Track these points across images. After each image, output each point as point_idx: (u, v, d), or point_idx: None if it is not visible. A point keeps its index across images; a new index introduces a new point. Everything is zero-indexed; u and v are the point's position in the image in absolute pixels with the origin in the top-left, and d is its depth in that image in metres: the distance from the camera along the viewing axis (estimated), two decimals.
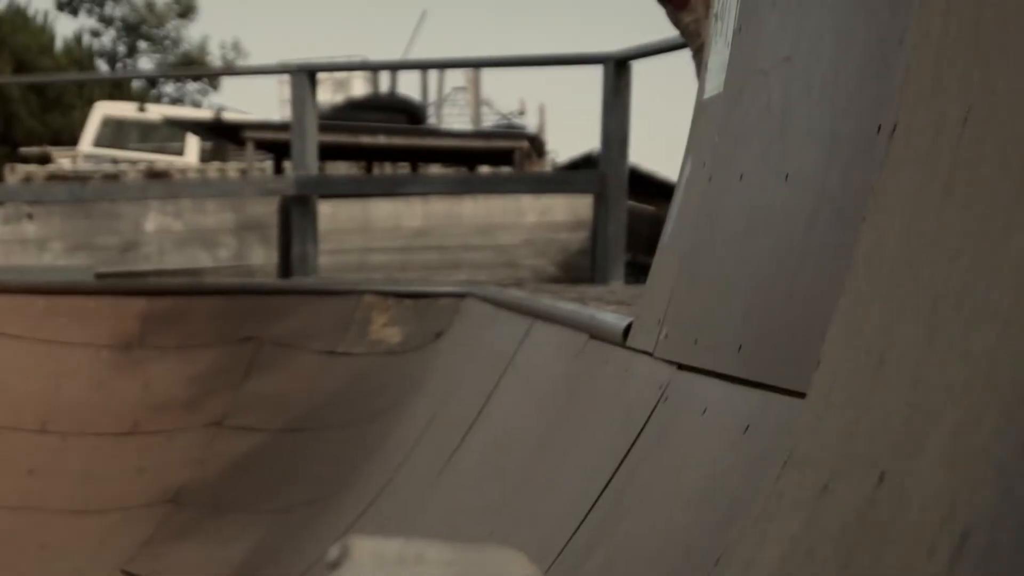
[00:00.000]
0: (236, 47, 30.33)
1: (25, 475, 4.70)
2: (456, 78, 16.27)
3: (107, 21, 29.71)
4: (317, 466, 4.49)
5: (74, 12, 29.17)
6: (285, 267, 7.55)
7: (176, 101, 28.11)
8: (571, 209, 8.34)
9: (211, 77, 29.70)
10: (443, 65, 12.09)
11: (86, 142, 15.01)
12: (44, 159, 14.65)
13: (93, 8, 29.38)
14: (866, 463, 0.89)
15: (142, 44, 30.09)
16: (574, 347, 2.89)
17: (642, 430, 2.03)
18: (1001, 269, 0.75)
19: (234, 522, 4.42)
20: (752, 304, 1.69)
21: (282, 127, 9.47)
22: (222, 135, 12.20)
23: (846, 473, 0.94)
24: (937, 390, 0.80)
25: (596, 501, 2.06)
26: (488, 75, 15.64)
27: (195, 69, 28.97)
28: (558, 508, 2.31)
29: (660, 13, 3.77)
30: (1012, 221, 0.75)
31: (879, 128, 1.30)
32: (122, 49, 29.92)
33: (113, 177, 9.95)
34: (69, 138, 19.77)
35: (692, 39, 3.61)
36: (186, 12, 29.59)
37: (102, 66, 28.97)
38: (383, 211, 8.57)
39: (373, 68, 13.12)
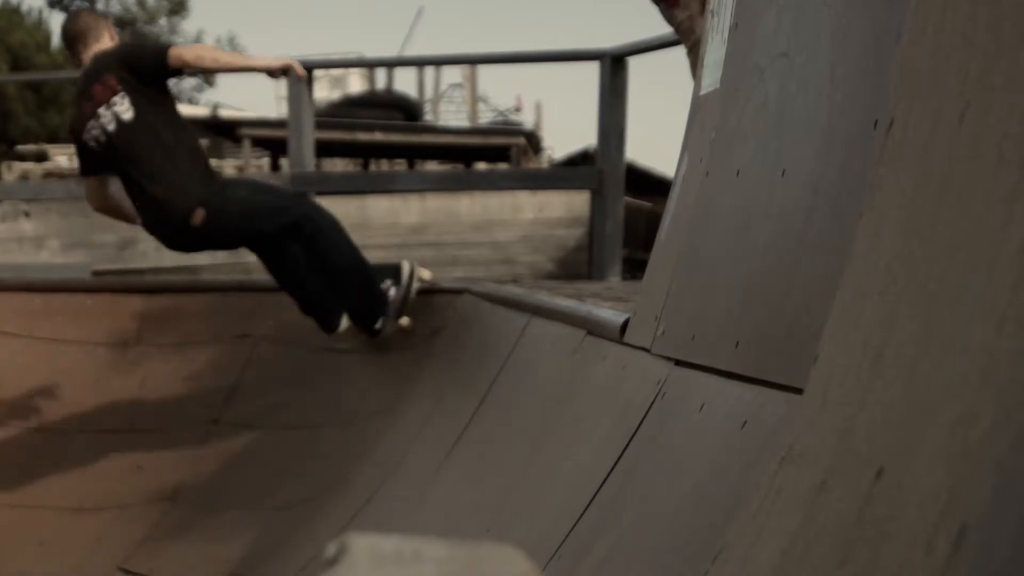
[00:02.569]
0: (231, 44, 30.25)
1: (23, 472, 4.70)
2: (453, 75, 16.29)
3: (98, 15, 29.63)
4: (314, 463, 4.49)
5: (64, 8, 29.08)
6: None
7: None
8: (568, 205, 8.34)
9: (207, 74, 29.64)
10: (440, 62, 12.09)
11: None
12: (41, 157, 14.63)
13: (83, 2, 29.29)
14: (864, 459, 0.89)
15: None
16: (571, 343, 2.89)
17: (639, 426, 2.03)
18: (998, 264, 0.75)
19: (231, 519, 4.42)
20: (749, 300, 1.69)
21: (279, 124, 9.47)
22: (219, 132, 12.19)
23: (844, 469, 0.94)
24: (935, 386, 0.80)
25: (593, 497, 2.06)
26: (485, 72, 15.65)
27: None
28: (556, 504, 2.31)
29: (655, 10, 3.77)
30: (1009, 216, 0.75)
31: (876, 123, 1.30)
32: None
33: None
34: (66, 136, 19.74)
35: (686, 36, 3.61)
36: (177, 9, 29.48)
37: None
38: (380, 208, 8.57)
39: (370, 65, 13.11)
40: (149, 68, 4.28)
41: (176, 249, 4.54)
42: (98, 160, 4.38)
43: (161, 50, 4.35)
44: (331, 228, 4.51)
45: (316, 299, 4.64)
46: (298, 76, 4.66)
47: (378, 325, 4.66)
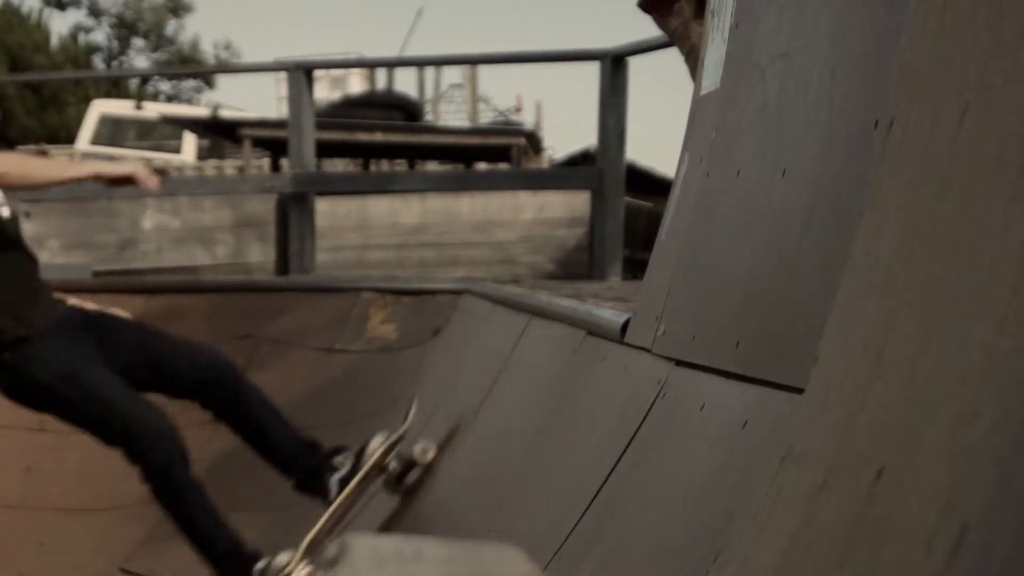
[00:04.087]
0: (228, 47, 30.26)
1: (23, 473, 4.70)
2: (453, 75, 16.28)
3: (97, 14, 29.60)
4: None
5: (61, 7, 29.04)
6: (283, 265, 7.55)
7: (171, 99, 28.07)
8: (568, 205, 8.34)
9: (207, 75, 29.68)
10: (440, 62, 12.09)
11: (83, 140, 15.00)
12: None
13: (82, 1, 29.27)
14: (864, 458, 0.89)
15: (137, 42, 30.03)
16: (572, 343, 2.89)
17: (640, 426, 2.03)
18: (998, 264, 0.75)
19: (232, 520, 4.42)
20: (749, 300, 1.69)
21: (279, 124, 9.47)
22: (219, 133, 12.20)
23: (844, 469, 0.94)
24: (935, 385, 0.80)
25: (594, 497, 2.06)
26: (485, 72, 15.65)
27: (192, 67, 28.95)
28: (556, 504, 2.31)
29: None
30: (1009, 216, 0.75)
31: (876, 124, 1.30)
32: (115, 45, 29.85)
33: None
34: (66, 136, 19.76)
35: (681, 42, 3.61)
36: (177, 9, 29.50)
37: (98, 63, 28.90)
38: (380, 208, 8.57)
39: (370, 65, 13.11)
40: None
41: None
42: None
43: None
44: (171, 481, 3.40)
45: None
46: (146, 189, 3.63)
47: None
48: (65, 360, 3.35)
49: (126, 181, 3.54)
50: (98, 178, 3.60)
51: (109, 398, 3.33)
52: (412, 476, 3.54)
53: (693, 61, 3.52)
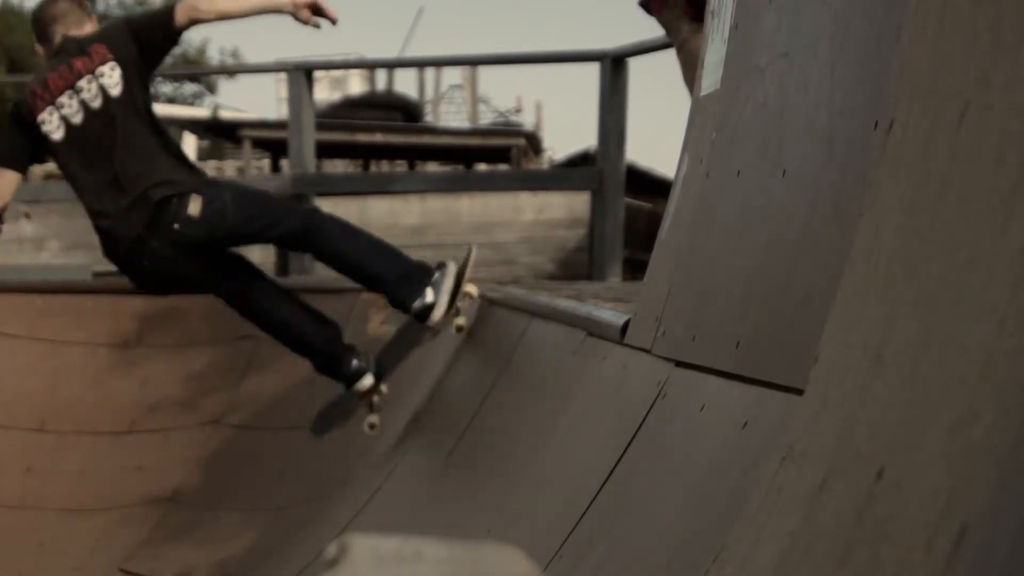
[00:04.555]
0: (235, 54, 30.29)
1: (23, 473, 4.70)
2: (453, 76, 16.31)
3: (100, 19, 29.61)
4: (314, 464, 4.49)
5: None
6: (282, 265, 7.55)
7: (172, 101, 28.07)
8: (568, 206, 8.35)
9: (208, 78, 29.70)
10: (440, 63, 12.09)
11: None
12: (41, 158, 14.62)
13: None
14: (864, 459, 0.89)
15: None
16: (572, 344, 2.89)
17: (640, 426, 2.03)
18: (998, 264, 0.75)
19: (232, 520, 4.42)
20: (749, 300, 1.69)
21: (279, 125, 9.48)
22: (219, 133, 12.21)
23: (844, 469, 0.94)
24: (935, 385, 0.80)
25: (594, 497, 2.06)
26: (485, 73, 15.67)
27: (193, 68, 28.94)
28: (556, 505, 2.31)
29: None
30: (1009, 216, 0.75)
31: (876, 124, 1.30)
32: None
33: None
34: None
35: (675, 35, 3.63)
36: None
37: None
38: (380, 209, 8.57)
39: (370, 66, 13.11)
40: (157, 34, 3.74)
41: (145, 278, 3.97)
42: (51, 148, 3.81)
43: (166, 11, 3.75)
44: (332, 221, 4.06)
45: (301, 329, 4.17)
46: (330, 19, 3.95)
47: (426, 300, 3.84)
48: (228, 183, 4.62)
49: (315, 10, 3.91)
50: (295, 8, 3.86)
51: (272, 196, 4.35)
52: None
53: (684, 56, 3.54)
